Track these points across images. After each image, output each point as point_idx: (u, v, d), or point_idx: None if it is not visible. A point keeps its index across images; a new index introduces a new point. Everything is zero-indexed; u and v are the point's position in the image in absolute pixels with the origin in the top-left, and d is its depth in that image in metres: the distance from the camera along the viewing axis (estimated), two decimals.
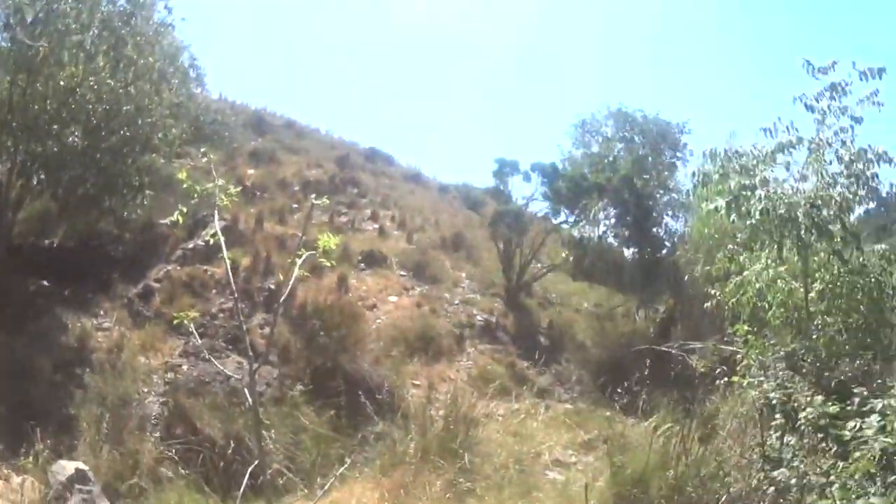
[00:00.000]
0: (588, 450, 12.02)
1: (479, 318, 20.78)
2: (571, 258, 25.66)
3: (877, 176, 10.44)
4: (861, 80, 10.33)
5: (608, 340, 21.84)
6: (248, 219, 21.48)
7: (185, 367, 14.04)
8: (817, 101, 10.74)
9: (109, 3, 16.26)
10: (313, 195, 22.48)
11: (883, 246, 11.06)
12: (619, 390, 11.97)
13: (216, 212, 5.26)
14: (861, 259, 10.58)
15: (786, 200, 10.42)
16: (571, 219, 25.29)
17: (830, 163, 10.78)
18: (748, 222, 10.48)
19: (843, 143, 10.69)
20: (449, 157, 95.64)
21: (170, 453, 10.94)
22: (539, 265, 25.13)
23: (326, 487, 7.05)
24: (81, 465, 7.37)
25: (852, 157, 10.54)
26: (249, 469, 6.31)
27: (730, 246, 12.77)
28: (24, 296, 15.30)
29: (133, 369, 13.19)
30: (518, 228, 23.73)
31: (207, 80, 28.68)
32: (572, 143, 31.65)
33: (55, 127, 15.35)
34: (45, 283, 16.02)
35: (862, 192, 10.57)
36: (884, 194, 10.87)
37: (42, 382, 12.76)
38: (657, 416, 10.62)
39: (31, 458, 7.96)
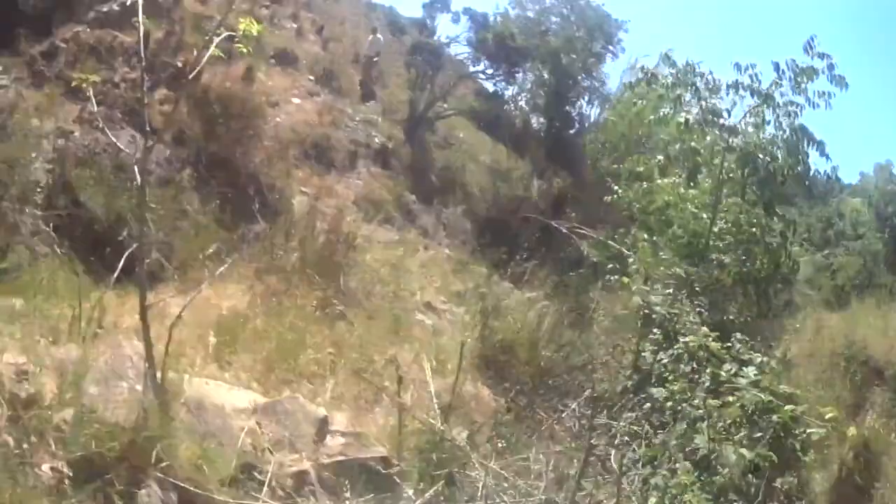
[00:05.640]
0: (460, 301, 11.98)
1: (376, 139, 20.70)
2: (480, 108, 25.63)
3: (808, 156, 11.51)
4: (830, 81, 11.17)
5: (499, 199, 22.07)
6: None
7: (76, 135, 13.33)
8: (790, 70, 11.32)
9: None
10: None
11: (794, 211, 11.70)
12: (504, 253, 11.89)
13: None
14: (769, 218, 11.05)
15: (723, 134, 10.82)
16: (490, 71, 25.42)
17: (769, 123, 11.60)
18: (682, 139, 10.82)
19: (789, 115, 11.50)
20: None
21: (47, 228, 10.39)
22: (445, 106, 25.00)
23: (200, 288, 6.53)
24: None
25: (793, 129, 11.40)
26: (127, 252, 6.09)
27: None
28: None
29: (24, 132, 12.39)
30: (434, 65, 23.60)
31: None
32: (508, 2, 31.18)
33: None
34: None
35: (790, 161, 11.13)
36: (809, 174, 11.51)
37: None
38: (538, 291, 10.69)
39: None
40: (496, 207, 21.22)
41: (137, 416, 4.78)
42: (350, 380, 6.86)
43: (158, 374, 5.18)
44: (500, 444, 6.36)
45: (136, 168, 5.76)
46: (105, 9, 17.35)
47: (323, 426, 5.83)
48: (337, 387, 6.73)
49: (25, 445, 4.34)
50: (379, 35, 25.67)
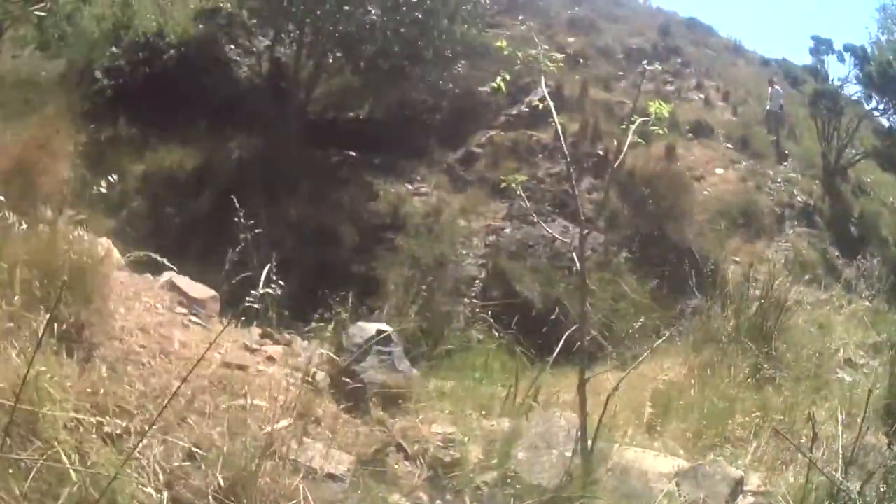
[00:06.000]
0: (876, 352, 11.14)
1: (798, 198, 19.66)
2: (880, 147, 22.90)
3: None
4: None
5: None
6: (572, 86, 20.84)
7: (507, 230, 14.06)
8: None
9: None
10: (644, 61, 21.97)
11: None
12: None
13: (542, 77, 5.02)
14: None
15: None
16: (881, 106, 22.92)
17: None
18: None
19: None
20: (766, 29, 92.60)
21: (484, 315, 10.80)
22: (853, 151, 22.90)
23: (639, 361, 6.46)
24: (384, 327, 6.80)
25: None
26: (566, 333, 5.94)
27: None
28: (325, 167, 15.95)
29: (452, 232, 13.19)
30: (835, 110, 21.92)
31: None
32: (877, 28, 28.18)
33: (346, 7, 15.41)
34: (352, 153, 16.57)
35: None
36: None
37: (345, 248, 13.34)
38: None
39: (324, 323, 7.74)
40: None
41: (560, 479, 4.79)
42: (771, 441, 6.54)
43: (589, 443, 5.05)
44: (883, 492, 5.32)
45: (573, 255, 5.99)
46: (514, 111, 18.58)
47: (736, 487, 5.60)
48: (758, 449, 6.46)
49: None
50: (777, 86, 24.32)
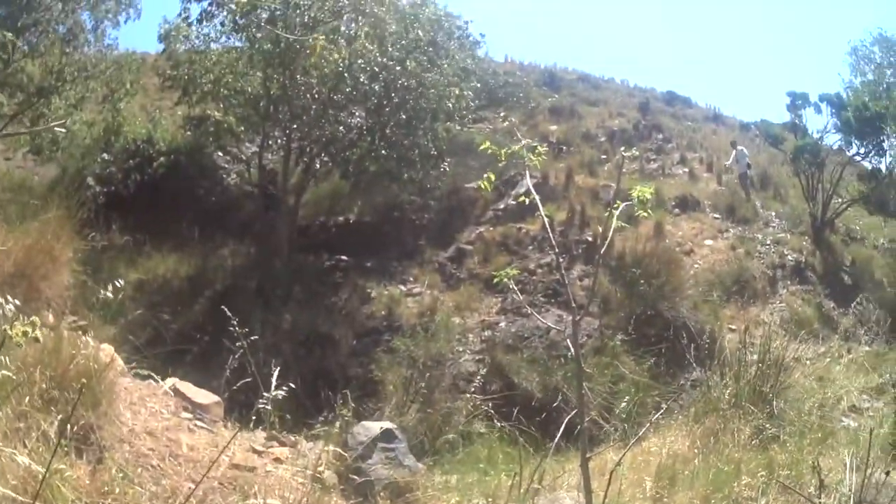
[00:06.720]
0: (880, 394, 11.18)
1: (789, 258, 19.68)
2: (865, 192, 23.08)
3: None
4: None
5: None
6: (557, 174, 21.38)
7: (502, 324, 14.00)
8: None
9: None
10: (622, 148, 22.27)
11: None
12: None
13: (527, 171, 5.05)
14: None
15: None
16: (862, 150, 23.07)
17: None
18: None
19: None
20: (744, 94, 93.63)
21: (485, 407, 10.64)
22: (839, 200, 23.03)
23: (640, 435, 6.78)
24: (388, 425, 6.83)
25: None
26: (566, 419, 5.80)
27: None
28: (317, 272, 16.08)
29: (447, 330, 13.23)
30: (817, 163, 22.15)
31: (487, 45, 28.64)
32: (850, 72, 29.76)
33: (331, 112, 15.88)
34: (344, 257, 16.66)
35: None
36: None
37: (343, 352, 13.30)
38: None
39: (328, 425, 7.77)
40: None
41: None
42: (780, 497, 6.52)
43: None
44: None
45: (568, 343, 5.92)
46: (502, 205, 18.85)
47: None
48: None
49: None
50: (741, 147, 24.76)
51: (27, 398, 3.58)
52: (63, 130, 15.28)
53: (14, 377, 3.60)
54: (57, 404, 3.67)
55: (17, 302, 3.40)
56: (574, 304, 6.05)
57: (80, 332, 4.92)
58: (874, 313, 16.93)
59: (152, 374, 6.05)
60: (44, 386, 3.76)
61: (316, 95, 15.88)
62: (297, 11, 14.34)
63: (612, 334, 13.51)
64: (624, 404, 10.78)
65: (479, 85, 20.69)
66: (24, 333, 2.60)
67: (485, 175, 5.16)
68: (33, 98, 16.25)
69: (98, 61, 17.47)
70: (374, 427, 7.14)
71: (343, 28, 15.81)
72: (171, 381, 6.14)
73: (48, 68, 16.55)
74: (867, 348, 14.95)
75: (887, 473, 6.15)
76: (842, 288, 18.61)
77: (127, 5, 17.57)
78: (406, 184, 16.95)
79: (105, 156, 17.37)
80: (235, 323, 6.35)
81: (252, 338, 6.61)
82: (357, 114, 16.40)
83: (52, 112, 16.32)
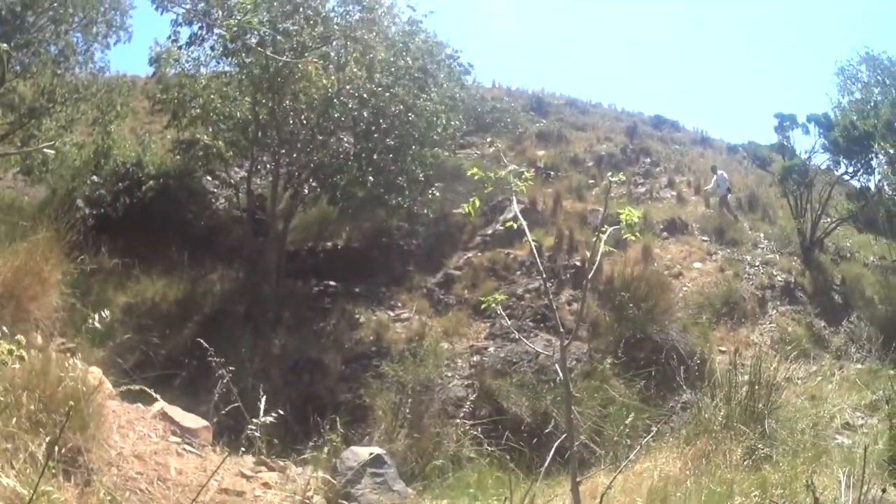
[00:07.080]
0: (873, 411, 11.18)
1: (778, 278, 19.68)
2: (854, 210, 23.28)
3: None
4: None
5: (895, 296, 19.77)
6: (545, 199, 21.45)
7: (490, 349, 13.96)
8: None
9: (343, 16, 16.40)
10: (610, 172, 22.33)
11: None
12: None
13: (514, 197, 5.11)
14: None
15: None
16: (850, 169, 23.18)
17: None
18: None
19: None
20: (731, 117, 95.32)
21: (474, 432, 10.71)
22: (828, 219, 23.23)
23: (630, 458, 6.74)
24: (377, 450, 6.77)
25: None
26: (556, 444, 5.79)
27: None
28: (306, 297, 16.04)
29: (436, 355, 13.11)
30: (805, 183, 22.26)
31: (476, 71, 28.81)
32: (838, 91, 29.76)
33: (320, 137, 15.90)
34: (332, 283, 16.63)
35: None
36: None
37: (331, 377, 13.22)
38: None
39: (317, 450, 7.73)
40: (893, 305, 18.89)
41: None
42: None
43: None
44: None
45: (557, 368, 5.67)
46: (490, 231, 18.92)
47: None
48: None
49: None
50: (720, 171, 24.95)
51: (14, 420, 3.55)
52: (52, 152, 15.26)
53: (1, 398, 3.57)
54: (45, 426, 3.64)
55: (5, 329, 3.38)
56: (562, 329, 6.18)
57: (68, 355, 4.89)
58: (865, 330, 17.01)
59: (141, 397, 6.00)
60: (31, 408, 3.73)
61: (304, 121, 15.89)
62: (287, 37, 14.35)
63: (601, 358, 13.45)
64: (614, 428, 10.89)
65: (462, 118, 20.74)
66: (10, 352, 2.58)
67: (470, 199, 5.14)
68: (24, 118, 16.31)
69: (89, 83, 17.57)
70: (363, 452, 7.09)
71: (332, 54, 15.76)
72: (159, 405, 6.08)
73: (40, 89, 16.63)
74: (859, 366, 14.94)
75: (883, 490, 6.17)
76: (832, 307, 18.62)
77: (118, 28, 17.76)
78: (394, 209, 16.88)
79: (94, 178, 17.30)
80: (216, 352, 6.36)
81: (230, 368, 6.64)
82: (345, 139, 16.41)
83: (43, 133, 16.35)
